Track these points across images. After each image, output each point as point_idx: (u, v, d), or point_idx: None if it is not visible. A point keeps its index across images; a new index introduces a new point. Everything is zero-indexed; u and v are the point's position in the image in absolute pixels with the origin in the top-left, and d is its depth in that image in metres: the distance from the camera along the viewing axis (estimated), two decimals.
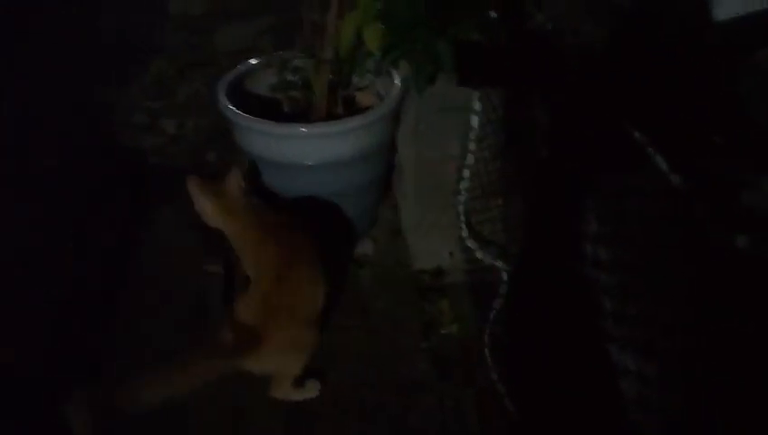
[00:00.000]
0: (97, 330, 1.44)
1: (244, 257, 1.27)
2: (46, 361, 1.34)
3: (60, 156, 1.94)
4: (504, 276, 1.37)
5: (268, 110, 1.49)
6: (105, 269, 1.61)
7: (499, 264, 1.36)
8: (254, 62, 1.57)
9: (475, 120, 1.21)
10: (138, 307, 1.50)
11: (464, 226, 1.35)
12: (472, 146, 1.24)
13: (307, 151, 1.37)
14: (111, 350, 1.39)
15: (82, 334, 1.42)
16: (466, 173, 1.27)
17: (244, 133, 1.39)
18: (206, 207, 1.24)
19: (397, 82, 1.42)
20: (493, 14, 0.99)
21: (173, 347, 1.37)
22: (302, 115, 1.51)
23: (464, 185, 1.29)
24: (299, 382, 1.26)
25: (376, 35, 0.96)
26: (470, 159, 1.25)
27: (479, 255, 1.38)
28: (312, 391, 1.27)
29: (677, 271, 0.71)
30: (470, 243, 1.37)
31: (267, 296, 1.16)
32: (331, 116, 1.46)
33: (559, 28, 0.94)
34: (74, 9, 2.71)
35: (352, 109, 1.56)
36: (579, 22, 0.92)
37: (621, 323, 0.78)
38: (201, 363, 1.08)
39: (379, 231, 1.74)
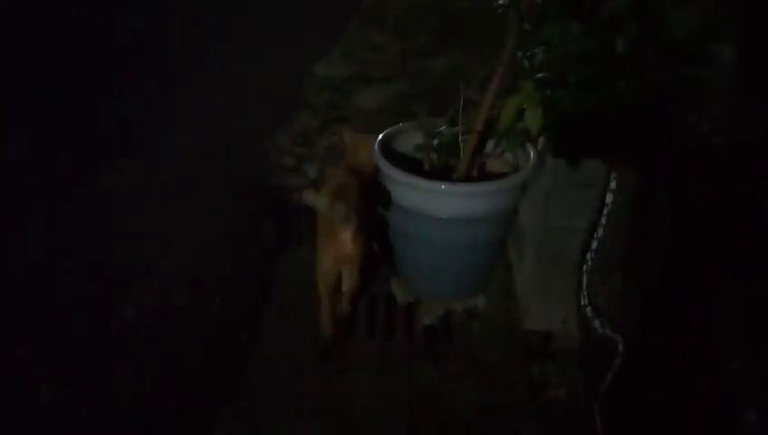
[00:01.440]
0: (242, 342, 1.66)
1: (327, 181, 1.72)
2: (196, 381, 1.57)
3: (224, 186, 2.29)
4: (620, 349, 1.42)
5: (410, 166, 1.70)
6: (253, 284, 1.85)
7: (616, 336, 1.40)
8: (404, 124, 1.80)
9: (609, 197, 1.32)
10: (276, 330, 1.71)
11: (584, 295, 1.43)
12: (603, 220, 1.34)
13: (444, 206, 1.54)
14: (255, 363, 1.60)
15: (229, 346, 1.65)
16: (595, 245, 1.37)
17: (392, 184, 1.60)
18: (347, 143, 1.78)
19: (532, 154, 1.57)
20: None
21: (302, 363, 1.56)
22: (439, 174, 1.69)
23: (590, 256, 1.38)
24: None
25: (537, 118, 1.13)
26: (600, 232, 1.35)
27: (596, 324, 1.44)
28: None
29: None
30: (588, 312, 1.44)
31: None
32: (467, 177, 1.64)
33: (711, 128, 1.05)
34: (240, 70, 3.23)
35: (484, 172, 1.73)
36: (733, 125, 1.02)
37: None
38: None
39: (491, 287, 1.84)
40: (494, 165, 1.75)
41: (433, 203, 1.53)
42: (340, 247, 1.50)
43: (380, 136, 1.74)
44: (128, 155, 2.42)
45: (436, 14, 4.34)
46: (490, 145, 1.67)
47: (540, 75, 1.15)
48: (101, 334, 1.63)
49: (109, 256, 1.91)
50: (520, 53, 1.27)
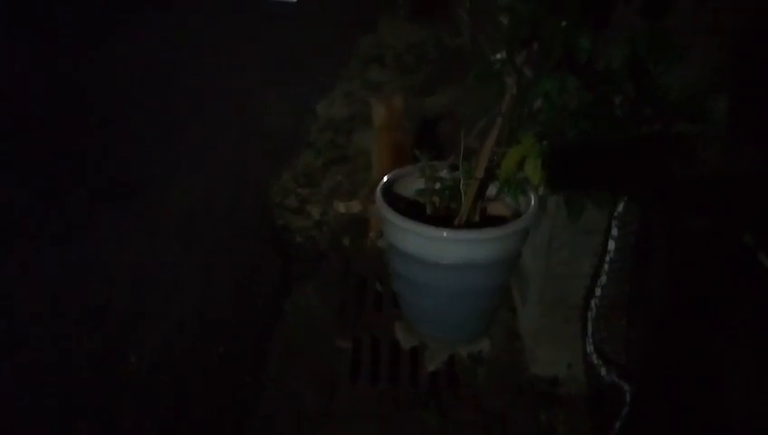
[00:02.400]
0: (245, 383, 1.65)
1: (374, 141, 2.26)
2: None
3: (229, 228, 2.30)
4: (627, 398, 1.40)
5: (412, 209, 1.72)
6: (258, 327, 1.85)
7: (623, 383, 1.39)
8: (407, 168, 1.82)
9: (611, 245, 1.33)
10: (280, 375, 1.70)
11: (590, 341, 1.42)
12: (606, 268, 1.34)
13: (446, 252, 1.55)
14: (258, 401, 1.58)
15: (233, 389, 1.63)
16: (598, 292, 1.37)
17: (394, 229, 1.61)
18: (378, 110, 2.27)
19: (533, 199, 1.59)
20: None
21: (307, 409, 1.54)
22: (441, 219, 1.71)
23: (594, 302, 1.38)
24: None
25: (537, 169, 1.15)
26: (603, 279, 1.36)
27: (603, 371, 1.42)
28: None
29: None
30: (595, 359, 1.43)
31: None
32: (468, 222, 1.65)
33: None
34: (244, 108, 3.29)
35: (485, 216, 1.74)
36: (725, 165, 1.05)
37: None
38: None
39: (495, 331, 1.83)
40: (495, 208, 1.77)
41: (435, 249, 1.53)
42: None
43: (384, 179, 1.76)
44: (132, 197, 2.44)
45: (434, 52, 4.45)
46: (491, 189, 1.70)
47: (538, 129, 1.18)
48: (105, 382, 1.62)
49: (113, 301, 1.91)
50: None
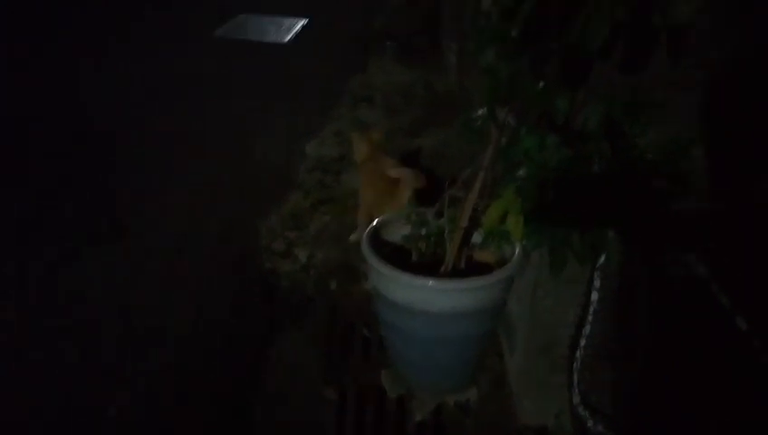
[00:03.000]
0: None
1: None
2: None
3: (213, 271, 2.28)
4: None
5: (398, 256, 1.72)
6: (241, 377, 1.81)
7: None
8: (393, 214, 1.84)
9: (594, 295, 1.34)
10: (262, 421, 1.66)
11: (576, 392, 1.41)
12: (590, 318, 1.35)
13: (431, 301, 1.55)
14: None
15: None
16: (583, 342, 1.37)
17: (380, 277, 1.61)
18: (360, 145, 2.39)
19: (517, 248, 1.60)
20: None
21: None
22: (427, 265, 1.71)
23: (579, 353, 1.38)
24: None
25: (518, 225, 1.17)
26: (588, 329, 1.36)
27: (589, 423, 1.41)
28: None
29: None
30: (581, 410, 1.41)
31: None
32: (454, 270, 1.66)
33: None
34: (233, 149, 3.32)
35: (470, 263, 1.75)
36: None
37: None
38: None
39: (482, 378, 1.82)
40: (481, 255, 1.78)
41: (420, 298, 1.54)
42: (399, 202, 2.08)
43: (373, 223, 1.78)
44: (119, 236, 2.42)
45: (422, 94, 4.55)
46: (476, 236, 1.71)
47: (519, 184, 1.20)
48: (87, 430, 1.57)
49: (97, 345, 1.87)
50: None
